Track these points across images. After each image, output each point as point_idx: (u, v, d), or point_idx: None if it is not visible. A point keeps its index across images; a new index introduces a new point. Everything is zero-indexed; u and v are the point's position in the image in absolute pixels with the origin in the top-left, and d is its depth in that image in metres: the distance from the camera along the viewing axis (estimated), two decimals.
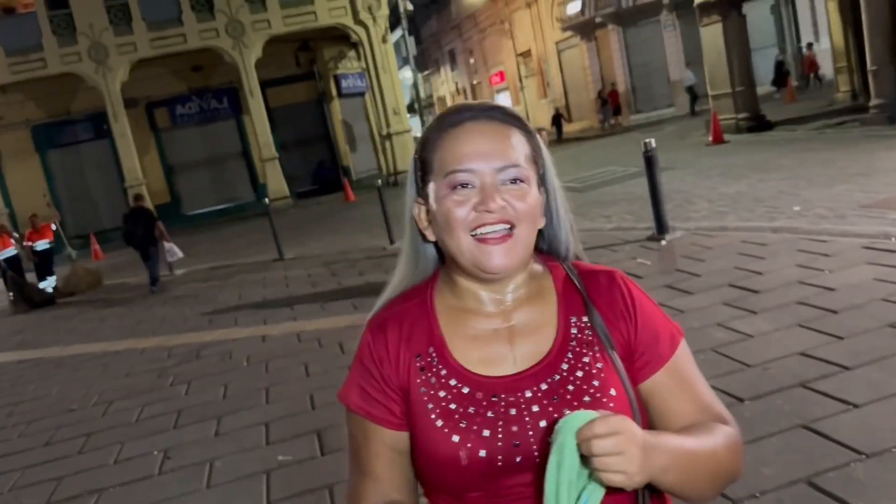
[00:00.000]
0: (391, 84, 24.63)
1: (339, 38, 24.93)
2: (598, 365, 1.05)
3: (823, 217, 7.23)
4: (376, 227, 13.16)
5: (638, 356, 1.07)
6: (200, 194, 24.97)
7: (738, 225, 7.53)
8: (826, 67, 25.41)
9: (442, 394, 1.06)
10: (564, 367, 1.05)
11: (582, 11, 30.86)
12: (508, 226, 1.03)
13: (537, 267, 1.14)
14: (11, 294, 12.27)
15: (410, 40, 25.13)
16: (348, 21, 24.01)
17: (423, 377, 1.07)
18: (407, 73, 35.41)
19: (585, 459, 0.87)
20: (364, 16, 23.85)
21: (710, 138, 16.21)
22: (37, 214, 13.75)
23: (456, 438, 1.02)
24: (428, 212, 1.09)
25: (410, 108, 33.77)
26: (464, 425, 1.02)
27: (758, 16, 26.77)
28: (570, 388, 1.03)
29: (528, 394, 1.03)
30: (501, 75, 43.38)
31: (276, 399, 5.00)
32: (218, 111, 25.29)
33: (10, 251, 12.44)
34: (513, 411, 1.02)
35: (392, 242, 10.54)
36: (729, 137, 16.27)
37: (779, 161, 11.54)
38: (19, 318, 11.52)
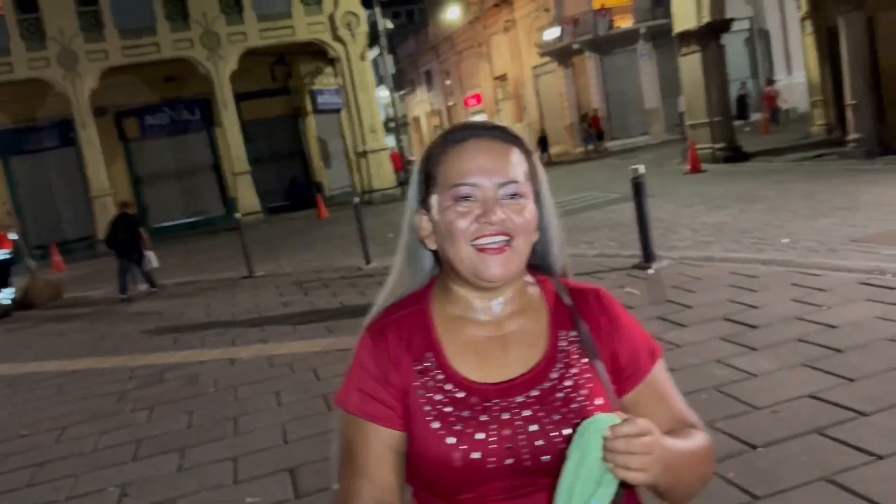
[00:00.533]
0: (368, 102, 24.41)
1: (317, 53, 24.70)
2: (586, 376, 1.12)
3: (814, 250, 7.10)
4: (351, 245, 12.88)
5: (621, 370, 1.15)
6: (168, 207, 24.40)
7: (725, 255, 7.37)
8: (801, 101, 25.80)
9: (438, 397, 1.11)
10: (554, 375, 1.12)
11: (560, 38, 31.08)
12: (507, 237, 1.09)
13: (529, 281, 1.20)
14: None
15: (388, 59, 24.95)
16: (327, 37, 23.79)
17: (421, 381, 1.12)
18: (383, 92, 35.25)
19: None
20: (343, 32, 23.65)
21: (688, 167, 16.21)
22: None
23: (451, 440, 1.06)
24: (430, 221, 1.15)
25: (386, 127, 33.56)
26: (458, 428, 1.07)
27: (732, 49, 27.17)
28: (560, 395, 1.10)
29: (520, 399, 1.09)
30: (478, 98, 43.43)
31: (245, 430, 4.65)
32: (189, 123, 24.81)
33: None
34: (505, 416, 1.08)
35: (368, 262, 10.23)
36: (706, 167, 16.29)
37: (760, 192, 11.49)
38: None
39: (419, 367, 1.14)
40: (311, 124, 26.13)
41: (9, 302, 12.12)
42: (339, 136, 26.29)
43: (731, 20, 17.76)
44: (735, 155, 17.08)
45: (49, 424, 5.42)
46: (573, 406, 1.09)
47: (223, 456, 4.24)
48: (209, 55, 22.58)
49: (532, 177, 1.16)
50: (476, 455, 1.06)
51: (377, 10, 24.86)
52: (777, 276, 6.14)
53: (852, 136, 13.62)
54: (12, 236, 12.65)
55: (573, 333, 1.16)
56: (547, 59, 32.74)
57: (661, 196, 12.57)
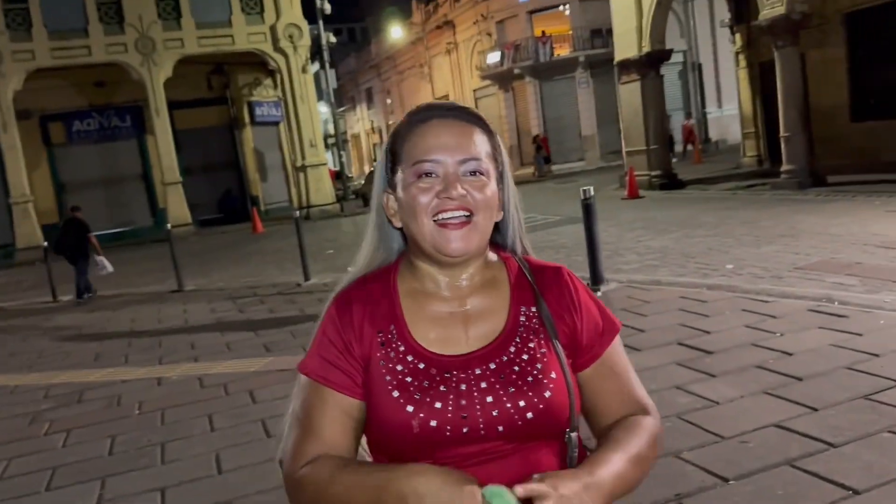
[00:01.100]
0: (309, 115, 23.96)
1: (257, 64, 24.16)
2: (542, 351, 1.16)
3: (760, 277, 7.12)
4: (288, 261, 12.49)
5: (580, 347, 1.20)
6: (93, 216, 22.98)
7: (672, 280, 7.34)
8: (732, 132, 26.62)
9: (399, 368, 1.14)
10: (512, 349, 1.16)
11: (501, 62, 31.37)
12: (467, 213, 1.12)
13: (493, 257, 1.24)
14: None
15: (331, 73, 24.60)
16: (267, 48, 23.30)
17: (384, 351, 1.16)
18: (323, 108, 34.83)
19: None
20: (284, 44, 23.21)
21: (627, 193, 16.39)
22: None
23: (410, 408, 1.11)
24: (396, 199, 1.18)
25: (325, 143, 33.10)
26: (418, 397, 1.11)
27: (666, 80, 27.95)
28: (516, 368, 1.14)
29: (478, 371, 1.14)
30: None
31: (173, 458, 4.25)
32: (119, 130, 23.85)
33: None
34: (463, 387, 1.12)
35: (307, 279, 9.85)
36: (644, 193, 16.52)
37: (701, 218, 11.64)
38: None
39: (382, 339, 1.17)
40: (249, 136, 25.49)
41: None
42: (278, 148, 25.73)
43: (671, 51, 18.18)
44: (671, 182, 17.39)
45: None
46: (528, 379, 1.13)
47: (148, 486, 3.84)
48: (143, 60, 21.80)
49: (494, 157, 1.18)
50: (433, 423, 1.10)
51: (320, 23, 24.47)
52: (727, 301, 6.10)
53: (785, 167, 14.00)
54: None
55: (533, 309, 1.19)
56: (488, 82, 32.98)
57: (604, 220, 12.52)
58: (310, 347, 1.22)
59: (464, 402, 1.11)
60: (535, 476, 0.99)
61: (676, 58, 29.71)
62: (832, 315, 5.31)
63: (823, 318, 5.29)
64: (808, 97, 14.04)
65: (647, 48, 17.04)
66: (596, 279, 7.03)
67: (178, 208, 22.13)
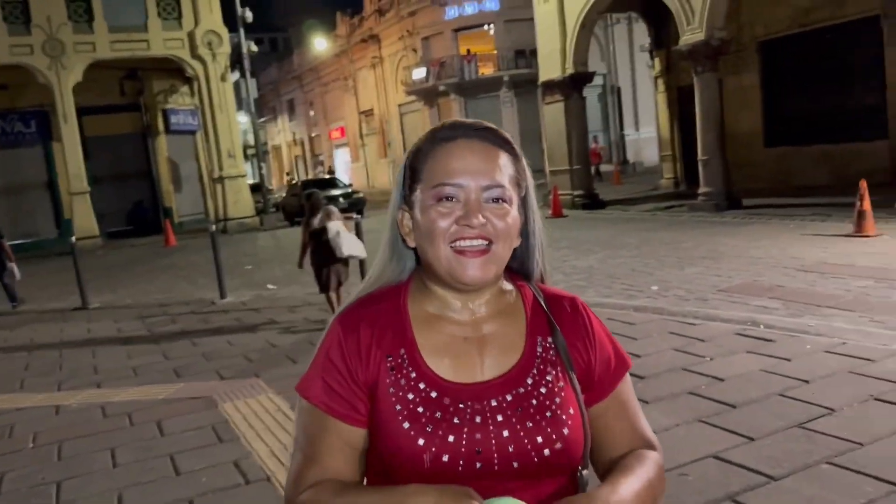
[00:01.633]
0: (228, 125, 23.22)
1: (173, 70, 23.28)
2: (560, 384, 1.13)
3: (684, 299, 7.16)
4: (203, 276, 11.95)
5: (592, 381, 1.17)
6: None
7: (600, 301, 7.29)
8: (648, 155, 27.38)
9: (410, 396, 1.09)
10: (529, 381, 1.12)
11: (426, 78, 31.38)
12: (487, 242, 1.09)
13: (508, 285, 1.20)
14: None
15: (252, 83, 23.94)
16: (185, 54, 22.49)
17: (393, 377, 1.11)
18: (242, 118, 33.97)
19: None
20: (203, 51, 22.46)
21: (550, 211, 16.51)
22: None
23: (421, 441, 1.06)
24: (412, 218, 1.14)
25: (244, 154, 32.24)
26: (430, 429, 1.06)
27: (586, 102, 28.58)
28: (534, 402, 1.10)
29: (494, 403, 1.09)
30: (342, 130, 43.00)
31: (70, 498, 3.83)
32: (23, 136, 22.48)
33: None
34: (478, 419, 1.07)
35: (223, 296, 9.39)
36: (567, 212, 16.68)
37: (623, 238, 11.76)
38: None
39: (391, 364, 1.12)
40: (163, 145, 24.49)
41: None
42: (194, 158, 24.81)
43: (594, 73, 18.52)
44: (593, 202, 17.65)
45: None
46: (547, 414, 1.09)
47: None
48: (51, 64, 20.66)
49: (518, 182, 1.15)
50: (445, 457, 1.05)
51: (241, 31, 23.82)
52: (654, 323, 6.08)
53: (703, 189, 14.38)
54: None
55: (549, 340, 1.16)
56: (413, 97, 32.93)
57: None
58: (310, 367, 1.16)
59: (478, 435, 1.07)
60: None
61: (597, 80, 30.34)
62: (759, 339, 5.33)
63: (751, 342, 5.30)
64: (724, 122, 14.49)
65: (570, 70, 17.29)
66: None
67: (84, 219, 21.00)
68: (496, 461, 1.06)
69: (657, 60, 19.97)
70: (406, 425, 1.07)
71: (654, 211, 15.52)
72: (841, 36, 14.91)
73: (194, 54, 22.51)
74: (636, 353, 5.27)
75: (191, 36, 22.45)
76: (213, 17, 22.85)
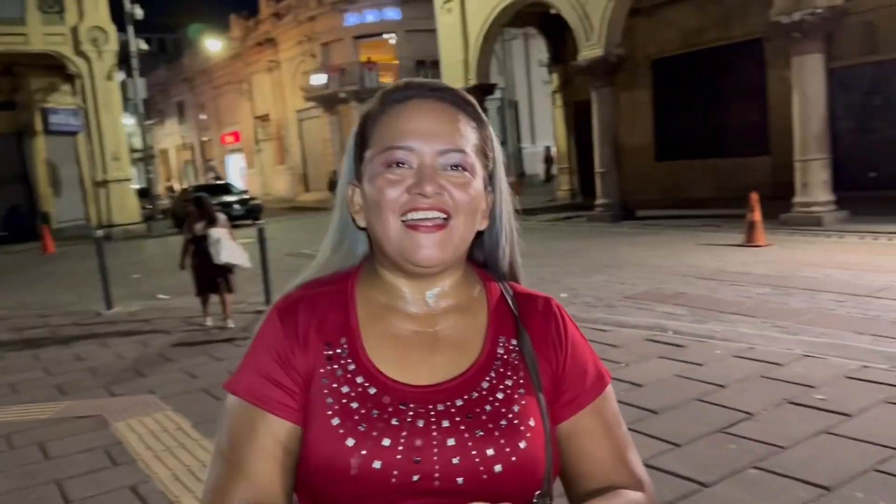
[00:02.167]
0: (113, 127, 21.96)
1: (54, 67, 21.81)
2: (521, 391, 0.96)
3: (593, 306, 7.23)
4: (86, 286, 11.19)
5: (563, 391, 1.00)
6: None
7: None
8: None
9: (345, 389, 0.94)
10: (485, 385, 0.96)
11: (326, 85, 30.89)
12: (443, 215, 0.93)
13: (471, 277, 1.05)
14: None
15: (140, 83, 22.72)
16: (67, 51, 21.13)
17: (329, 368, 0.96)
18: (129, 119, 32.32)
19: None
20: (87, 48, 21.17)
21: None
22: None
23: (350, 442, 0.89)
24: (362, 193, 0.99)
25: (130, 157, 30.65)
26: (362, 429, 0.90)
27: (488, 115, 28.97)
28: (488, 408, 0.93)
29: (441, 407, 0.93)
30: (236, 135, 41.70)
31: None
32: None
33: None
34: (420, 423, 0.91)
35: (110, 307, 8.75)
36: None
37: (529, 247, 11.74)
38: None
39: (329, 353, 0.97)
40: (41, 146, 22.86)
41: None
42: (75, 161, 23.29)
43: (495, 85, 18.74)
44: None
45: None
46: (502, 423, 0.92)
47: None
48: None
49: (484, 152, 0.99)
50: (377, 464, 0.88)
51: (130, 29, 22.59)
52: None
53: (600, 201, 14.77)
54: None
55: (514, 342, 1.00)
56: (312, 104, 32.34)
57: None
58: (241, 364, 0.99)
59: (419, 442, 0.90)
60: None
61: (496, 94, 30.97)
62: (670, 345, 5.42)
63: (662, 347, 5.38)
64: (619, 137, 14.96)
65: (473, 81, 17.41)
66: None
67: None
68: (437, 475, 0.89)
69: (555, 76, 20.43)
70: (335, 421, 0.91)
71: (553, 221, 15.79)
72: (727, 57, 15.73)
73: (78, 51, 21.20)
74: None
75: (74, 31, 21.12)
76: (98, 12, 21.59)
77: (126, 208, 22.32)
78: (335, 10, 30.99)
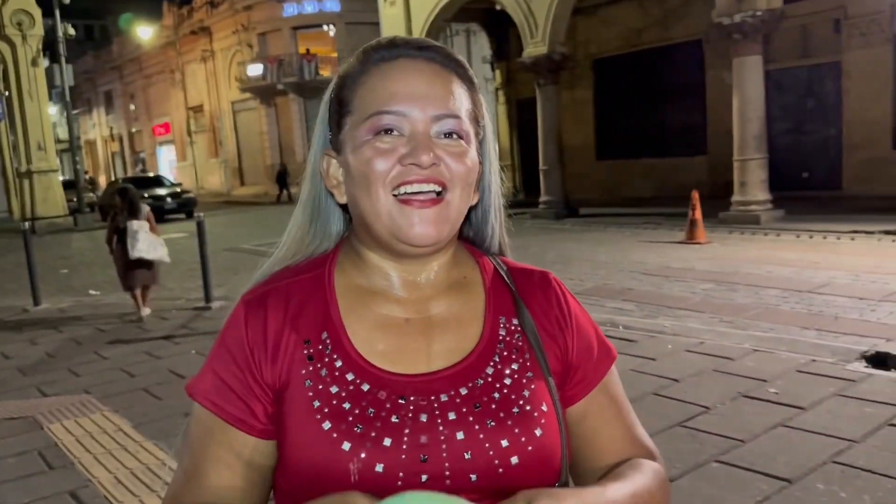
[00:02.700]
0: (38, 115, 21.00)
1: None
2: (529, 374, 0.89)
3: None
4: (11, 281, 10.70)
5: (573, 371, 0.94)
6: None
7: None
8: None
9: (334, 390, 0.84)
10: (490, 371, 0.88)
11: (263, 76, 30.26)
12: (439, 188, 0.85)
13: (463, 254, 0.97)
14: None
15: (67, 70, 21.73)
16: None
17: (312, 368, 0.86)
18: (53, 108, 30.95)
19: None
20: (11, 31, 20.20)
21: None
22: None
23: (346, 446, 0.80)
24: (340, 165, 0.90)
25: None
26: (359, 430, 0.81)
27: None
28: (496, 395, 0.86)
29: (444, 398, 0.85)
30: (167, 126, 40.50)
31: None
32: None
33: None
34: (423, 417, 0.83)
35: (38, 304, 8.32)
36: None
37: None
38: None
39: (309, 351, 0.87)
40: None
41: None
42: None
43: None
44: None
45: None
46: (514, 411, 0.85)
47: None
48: None
49: (477, 119, 0.91)
50: (379, 467, 0.80)
51: (57, 13, 21.58)
52: None
53: (544, 198, 14.87)
54: None
55: (515, 322, 0.93)
56: (248, 95, 31.63)
57: None
58: (206, 361, 0.91)
59: (424, 438, 0.82)
60: (519, 495, 0.75)
61: None
62: (622, 339, 5.44)
63: (614, 342, 5.22)
64: (561, 135, 15.09)
65: None
66: None
67: None
68: (448, 473, 0.81)
69: (498, 73, 20.49)
70: (326, 426, 0.82)
71: None
72: (667, 57, 16.06)
73: (1, 35, 20.21)
74: None
75: None
76: None
77: (51, 201, 21.40)
78: None
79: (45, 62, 22.20)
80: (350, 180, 0.88)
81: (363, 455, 0.80)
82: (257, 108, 31.65)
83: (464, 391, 0.86)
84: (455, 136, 0.86)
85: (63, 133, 38.51)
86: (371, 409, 0.83)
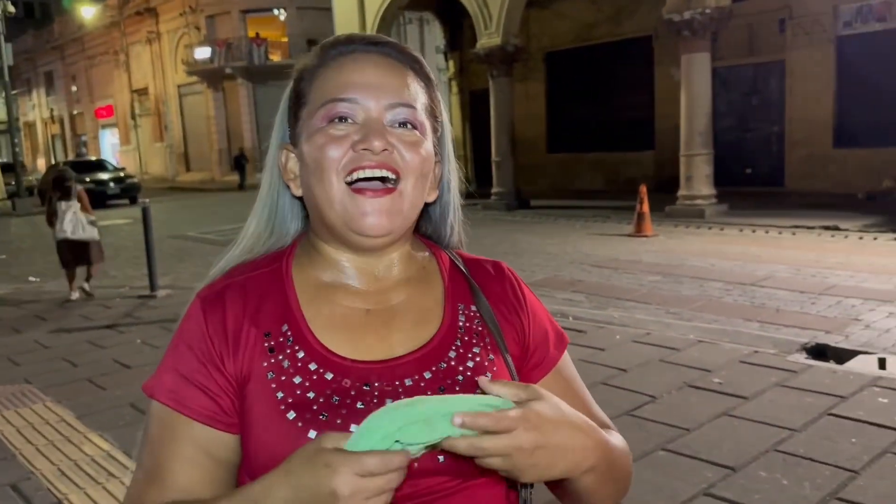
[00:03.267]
0: None
1: None
2: (490, 357, 0.91)
3: None
4: None
5: (530, 354, 0.97)
6: None
7: None
8: None
9: (297, 380, 0.84)
10: (452, 354, 0.90)
11: (211, 59, 29.60)
12: (393, 175, 0.85)
13: (419, 247, 0.99)
14: None
15: (7, 48, 20.87)
16: None
17: (273, 360, 0.86)
18: None
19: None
20: None
21: None
22: None
23: (312, 434, 0.80)
24: (298, 157, 0.91)
25: None
26: (324, 418, 0.81)
27: None
28: (460, 378, 0.88)
29: (409, 382, 0.86)
30: (110, 109, 39.36)
31: None
32: None
33: None
34: (389, 402, 0.79)
35: None
36: None
37: None
38: None
39: (270, 344, 0.87)
40: None
41: None
42: None
43: None
44: None
45: None
46: (478, 392, 0.82)
47: None
48: None
49: (434, 114, 0.92)
50: None
51: None
52: None
53: (496, 189, 14.93)
54: None
55: (473, 308, 0.95)
56: (195, 78, 30.90)
57: None
58: (161, 361, 0.89)
59: None
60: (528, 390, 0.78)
61: None
62: (571, 330, 5.50)
63: (567, 334, 5.46)
64: (514, 127, 15.17)
65: None
66: None
67: None
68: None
69: (451, 63, 20.47)
70: (291, 415, 0.82)
71: None
72: (618, 53, 16.27)
73: None
74: None
75: None
76: None
77: None
78: None
79: None
80: (305, 169, 0.89)
81: None
82: (204, 92, 30.94)
83: (428, 375, 0.87)
84: (409, 125, 0.87)
85: (2, 114, 37.05)
86: (336, 397, 0.83)
